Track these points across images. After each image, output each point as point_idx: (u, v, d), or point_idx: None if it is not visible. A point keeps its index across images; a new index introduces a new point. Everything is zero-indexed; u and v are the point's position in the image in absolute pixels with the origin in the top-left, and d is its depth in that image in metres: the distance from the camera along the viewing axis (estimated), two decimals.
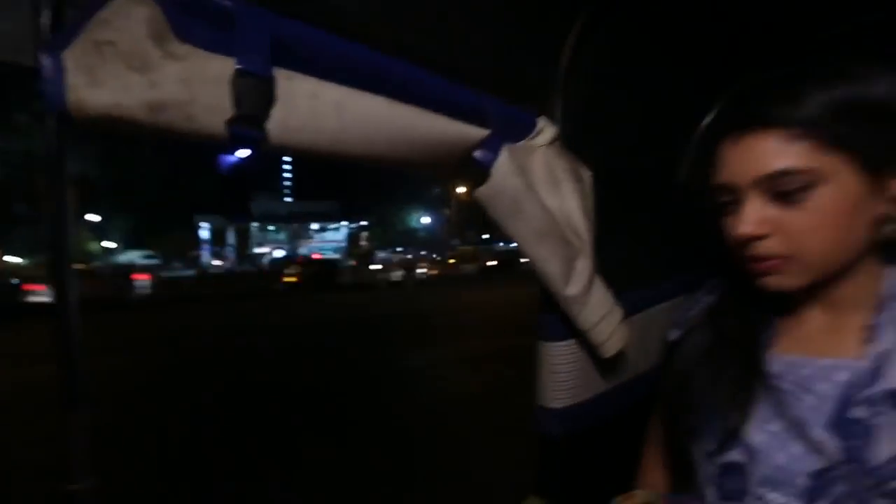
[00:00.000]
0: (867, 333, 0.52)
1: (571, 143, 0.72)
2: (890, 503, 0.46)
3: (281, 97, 0.46)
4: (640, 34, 0.75)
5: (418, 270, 22.49)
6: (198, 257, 36.37)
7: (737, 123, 0.54)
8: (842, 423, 0.50)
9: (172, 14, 0.40)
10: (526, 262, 0.67)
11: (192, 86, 0.41)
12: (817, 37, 0.76)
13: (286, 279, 19.42)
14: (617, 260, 0.80)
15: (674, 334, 0.70)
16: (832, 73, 0.51)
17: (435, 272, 23.21)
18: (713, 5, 0.73)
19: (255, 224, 41.73)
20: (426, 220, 43.80)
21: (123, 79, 0.38)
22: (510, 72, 0.69)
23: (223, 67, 0.43)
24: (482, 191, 0.62)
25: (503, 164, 0.61)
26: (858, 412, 0.50)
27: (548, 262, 0.65)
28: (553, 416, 0.76)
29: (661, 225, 0.88)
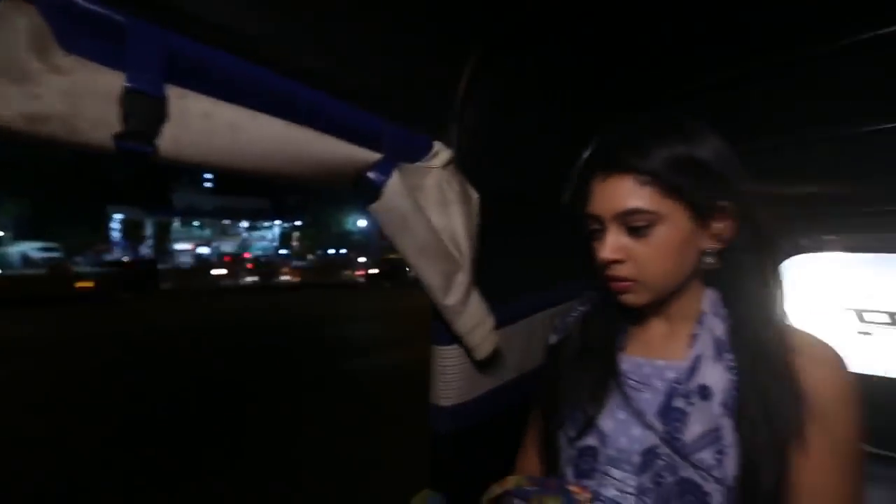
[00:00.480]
0: (690, 340, 0.65)
1: (464, 166, 0.80)
2: (695, 471, 0.58)
3: (173, 115, 0.47)
4: (529, 73, 0.85)
5: (282, 277, 20.83)
6: (105, 252, 32.98)
7: (603, 164, 0.65)
8: (666, 411, 0.62)
9: (58, 25, 0.40)
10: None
11: (78, 99, 0.41)
12: (669, 93, 0.91)
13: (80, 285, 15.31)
14: (505, 272, 0.90)
15: (553, 338, 0.81)
16: (674, 130, 0.63)
17: (297, 279, 21.39)
18: (590, 56, 0.85)
19: (177, 218, 38.72)
20: (362, 223, 43.10)
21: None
22: (411, 98, 0.75)
23: (112, 82, 0.43)
24: (374, 207, 0.69)
25: (394, 184, 0.68)
26: (678, 402, 0.62)
27: (429, 274, 0.73)
28: (443, 414, 0.83)
29: (548, 241, 0.99)
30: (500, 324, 0.85)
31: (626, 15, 0.74)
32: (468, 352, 0.82)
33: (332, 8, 0.60)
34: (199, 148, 0.51)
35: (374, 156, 0.67)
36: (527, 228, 0.95)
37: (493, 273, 0.85)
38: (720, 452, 0.57)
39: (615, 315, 0.72)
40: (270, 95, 0.56)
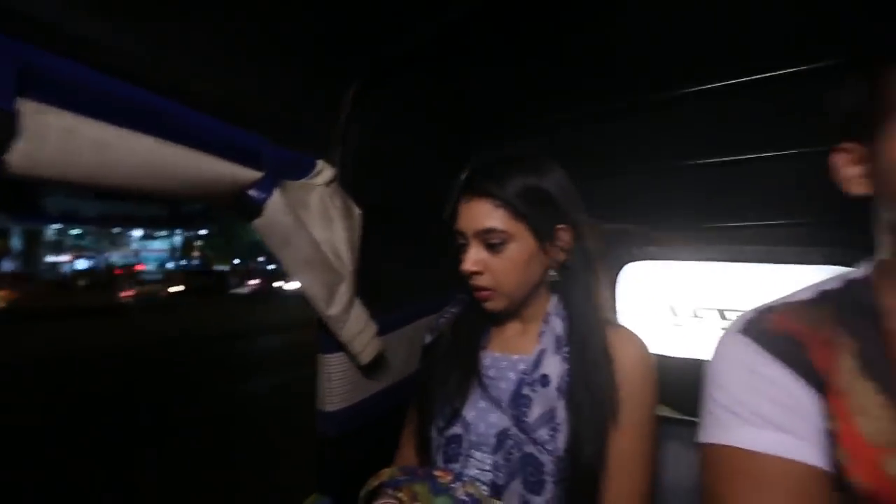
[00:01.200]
0: (537, 337, 0.77)
1: (347, 183, 0.86)
2: (534, 447, 0.69)
3: (28, 131, 0.46)
4: (409, 100, 0.94)
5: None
6: None
7: (468, 189, 0.76)
8: (516, 398, 0.73)
9: None
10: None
11: None
12: (532, 125, 1.06)
13: None
14: (387, 282, 0.97)
15: (428, 339, 0.89)
16: (527, 164, 0.75)
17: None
18: (463, 89, 0.96)
19: (54, 226, 33.60)
20: None
21: None
22: (296, 120, 0.80)
23: None
24: (256, 223, 0.72)
25: (276, 201, 0.71)
26: (525, 390, 0.73)
27: (313, 286, 0.77)
28: (329, 419, 0.87)
29: (427, 253, 1.08)
30: (383, 331, 0.91)
31: (494, 56, 0.86)
32: (352, 358, 0.87)
33: (218, 33, 0.63)
34: (60, 165, 0.50)
35: (255, 174, 0.70)
36: (407, 242, 1.04)
37: (375, 284, 0.91)
38: (553, 430, 0.69)
39: (480, 317, 0.82)
40: (140, 113, 0.56)
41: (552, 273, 0.77)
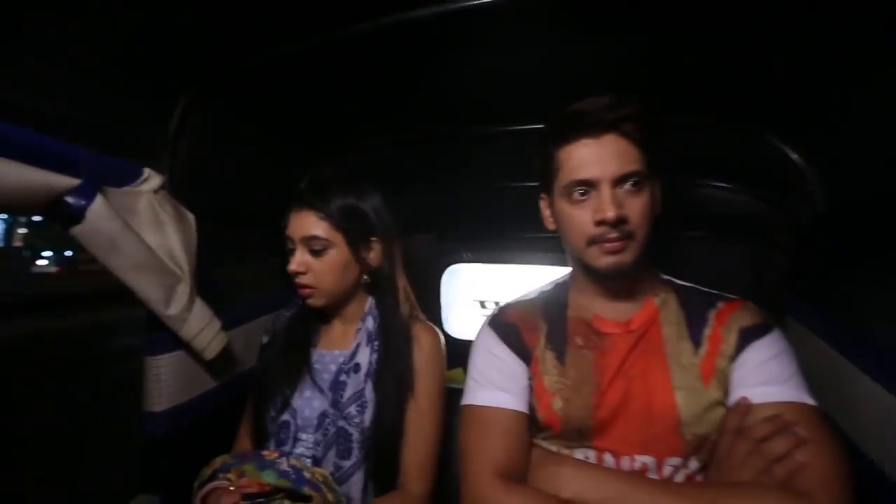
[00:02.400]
0: (355, 334, 0.91)
1: (180, 191, 0.89)
2: (345, 422, 0.83)
3: None
4: (245, 114, 1.00)
5: None
6: None
7: (299, 200, 0.87)
8: (335, 384, 0.86)
9: None
10: None
11: None
12: (361, 145, 1.20)
13: None
14: (227, 282, 1.02)
15: (265, 338, 0.98)
16: (348, 185, 0.90)
17: None
18: (296, 107, 1.04)
19: None
20: None
21: None
22: (122, 128, 0.81)
23: None
24: (77, 230, 0.71)
25: (98, 208, 0.72)
26: (342, 377, 0.87)
27: (148, 289, 0.80)
28: (158, 418, 0.89)
29: (266, 255, 1.14)
30: (222, 329, 0.96)
31: (328, 79, 0.95)
32: (196, 354, 0.90)
33: (41, 43, 0.62)
34: None
35: (71, 181, 0.70)
36: (245, 245, 1.10)
37: (215, 284, 0.95)
38: (361, 406, 0.84)
39: (310, 319, 0.94)
40: None
41: (365, 277, 0.93)
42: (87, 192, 0.72)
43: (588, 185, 0.69)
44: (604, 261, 0.69)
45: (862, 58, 0.66)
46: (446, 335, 1.41)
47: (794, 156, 0.91)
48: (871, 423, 0.68)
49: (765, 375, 0.65)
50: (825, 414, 0.64)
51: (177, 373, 0.90)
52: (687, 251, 1.19)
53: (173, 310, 0.84)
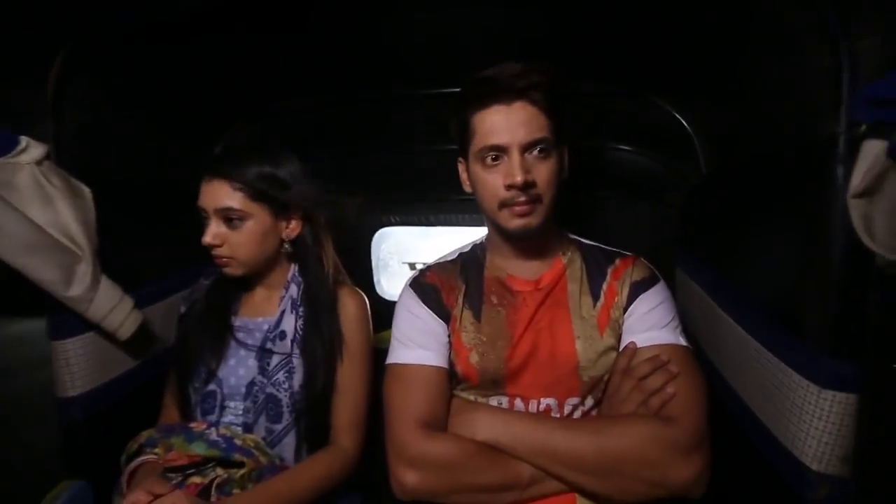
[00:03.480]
0: (279, 301, 0.91)
1: (69, 161, 0.81)
2: (274, 388, 0.85)
3: None
4: (145, 76, 0.91)
5: None
6: None
7: (211, 170, 0.84)
8: (262, 353, 0.87)
9: None
10: None
11: None
12: (278, 106, 1.14)
13: None
14: (137, 258, 0.96)
15: (182, 308, 0.95)
16: (264, 152, 0.87)
17: None
18: (203, 72, 0.97)
19: None
20: None
21: None
22: None
23: None
24: None
25: None
26: (269, 345, 0.87)
27: (44, 270, 0.74)
28: (74, 403, 0.85)
29: (177, 227, 1.07)
30: (137, 306, 0.92)
31: (239, 38, 0.88)
32: (107, 336, 0.86)
33: None
34: None
35: None
36: (154, 218, 1.03)
37: (122, 261, 0.90)
38: (289, 372, 0.87)
39: (231, 286, 0.93)
40: None
41: (286, 246, 0.92)
42: None
43: (499, 151, 0.73)
44: (514, 223, 0.74)
45: (740, 27, 0.72)
46: (378, 298, 1.47)
47: (683, 121, 1.01)
48: (732, 356, 0.81)
49: (648, 323, 0.76)
50: (693, 352, 0.76)
51: (89, 355, 0.85)
52: (595, 210, 1.29)
53: (75, 291, 0.79)
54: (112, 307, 0.85)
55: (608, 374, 0.77)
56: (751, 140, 0.84)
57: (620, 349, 0.77)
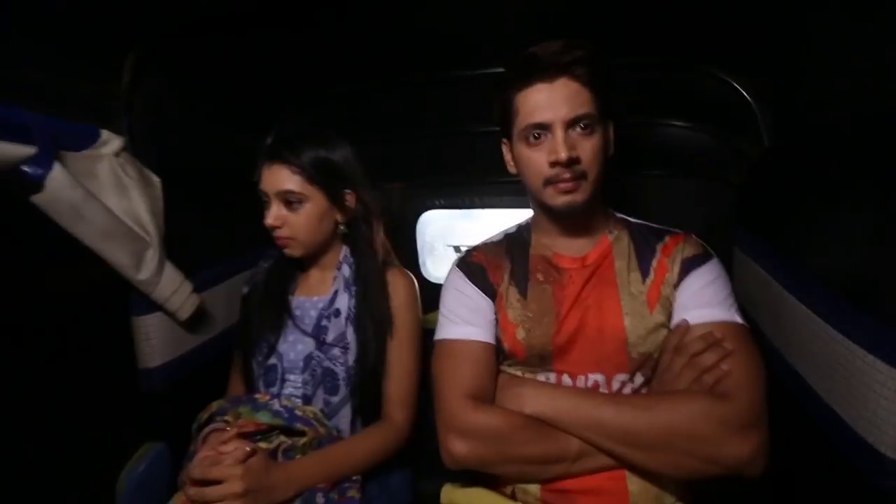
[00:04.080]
0: (332, 281, 0.95)
1: (142, 152, 0.88)
2: (331, 362, 0.90)
3: None
4: (203, 69, 0.97)
5: None
6: None
7: (269, 155, 0.89)
8: (318, 329, 0.92)
9: None
10: None
11: None
12: (331, 93, 1.18)
13: None
14: (202, 242, 1.03)
15: (245, 289, 1.02)
16: (319, 138, 0.91)
17: None
18: (259, 57, 1.01)
19: None
20: None
21: None
22: (72, 90, 0.78)
23: None
24: (37, 199, 0.71)
25: (58, 175, 0.71)
26: (324, 322, 0.92)
27: (118, 255, 0.81)
28: (154, 374, 0.94)
29: (242, 211, 1.15)
30: (201, 288, 0.99)
31: (289, 28, 0.92)
32: (171, 316, 0.94)
33: None
34: None
35: (27, 149, 0.68)
36: (216, 203, 1.10)
37: (187, 245, 0.97)
38: (344, 348, 0.91)
39: (288, 269, 0.98)
40: None
41: (341, 228, 0.96)
42: (45, 160, 0.70)
43: (542, 129, 0.72)
44: (559, 200, 0.74)
45: None
46: (424, 280, 1.50)
47: (742, 91, 0.95)
48: (798, 336, 0.77)
49: (701, 300, 0.73)
50: (750, 330, 0.73)
51: (166, 331, 0.93)
52: (645, 189, 1.25)
53: (143, 275, 0.85)
54: (174, 290, 0.92)
55: (658, 352, 0.75)
56: (824, 108, 0.78)
57: (672, 326, 0.75)
